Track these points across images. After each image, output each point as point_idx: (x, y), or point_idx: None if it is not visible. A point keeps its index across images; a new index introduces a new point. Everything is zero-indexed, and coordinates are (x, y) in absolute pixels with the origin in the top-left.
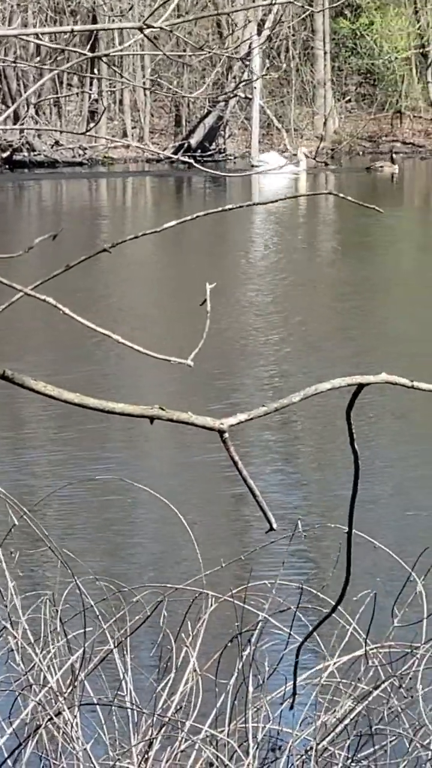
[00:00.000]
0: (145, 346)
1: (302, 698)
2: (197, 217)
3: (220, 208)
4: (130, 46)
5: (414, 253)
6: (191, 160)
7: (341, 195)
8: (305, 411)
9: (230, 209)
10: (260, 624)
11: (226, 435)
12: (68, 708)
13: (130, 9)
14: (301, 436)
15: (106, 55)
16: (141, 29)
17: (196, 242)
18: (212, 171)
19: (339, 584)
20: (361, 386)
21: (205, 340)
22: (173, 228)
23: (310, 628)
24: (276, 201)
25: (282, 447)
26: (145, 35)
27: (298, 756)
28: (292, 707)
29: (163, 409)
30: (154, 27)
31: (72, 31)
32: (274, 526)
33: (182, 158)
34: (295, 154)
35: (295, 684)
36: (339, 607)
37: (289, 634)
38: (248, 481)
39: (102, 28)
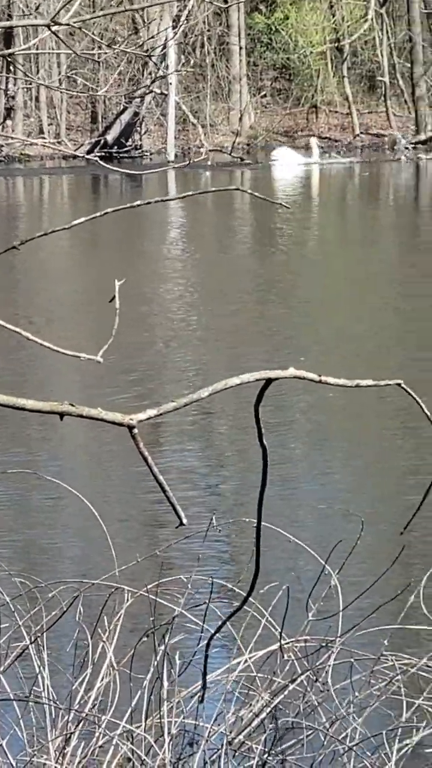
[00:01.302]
0: (57, 343)
1: (218, 693)
2: (105, 213)
3: (128, 205)
4: (35, 44)
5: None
6: (102, 161)
7: (248, 191)
8: (225, 404)
9: (138, 205)
10: (175, 618)
11: (136, 431)
12: None
13: (37, 8)
14: (218, 431)
15: (11, 54)
16: (48, 26)
17: (116, 238)
18: (123, 170)
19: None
20: (269, 381)
21: (114, 336)
22: (88, 224)
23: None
24: (183, 197)
25: (198, 441)
26: (52, 32)
27: (215, 750)
28: (202, 701)
29: (72, 405)
30: (61, 24)
31: None
32: (184, 521)
33: (91, 157)
34: (308, 146)
35: (204, 678)
36: (256, 602)
37: (203, 628)
38: (158, 477)
39: (9, 26)
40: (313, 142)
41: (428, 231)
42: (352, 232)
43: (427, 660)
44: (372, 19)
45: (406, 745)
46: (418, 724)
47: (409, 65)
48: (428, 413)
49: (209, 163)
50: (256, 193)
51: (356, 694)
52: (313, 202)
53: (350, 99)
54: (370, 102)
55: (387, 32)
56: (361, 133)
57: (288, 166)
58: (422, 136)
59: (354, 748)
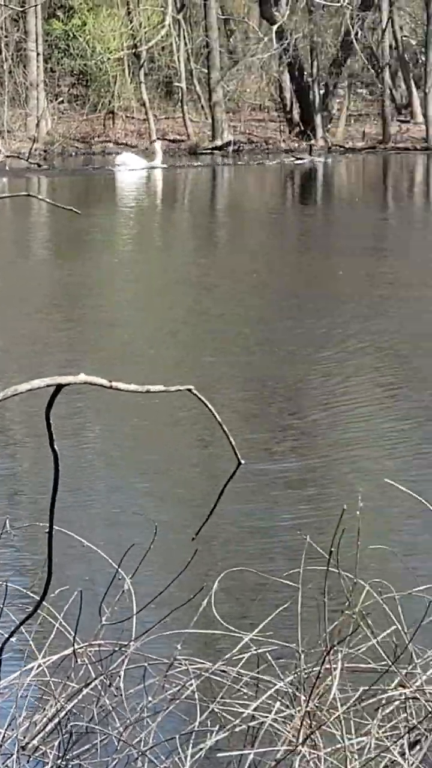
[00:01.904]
0: None
1: (11, 697)
2: None
3: None
4: None
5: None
6: None
7: (39, 197)
8: (17, 411)
9: None
10: None
11: None
12: None
13: None
14: (16, 436)
15: None
16: None
17: None
18: None
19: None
20: (60, 387)
21: None
22: None
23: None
24: None
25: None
26: None
27: (8, 755)
28: None
29: None
30: None
31: None
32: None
33: None
34: (150, 149)
35: None
36: (49, 606)
37: None
38: None
39: None
40: (158, 146)
41: (236, 233)
42: (160, 235)
43: (221, 664)
44: (169, 25)
45: (200, 749)
46: (212, 728)
47: (206, 71)
48: (218, 418)
49: (7, 168)
50: (47, 199)
51: (150, 698)
52: (140, 206)
53: (147, 105)
54: (167, 107)
55: (184, 38)
56: (158, 138)
57: (132, 171)
58: (218, 142)
59: (147, 752)
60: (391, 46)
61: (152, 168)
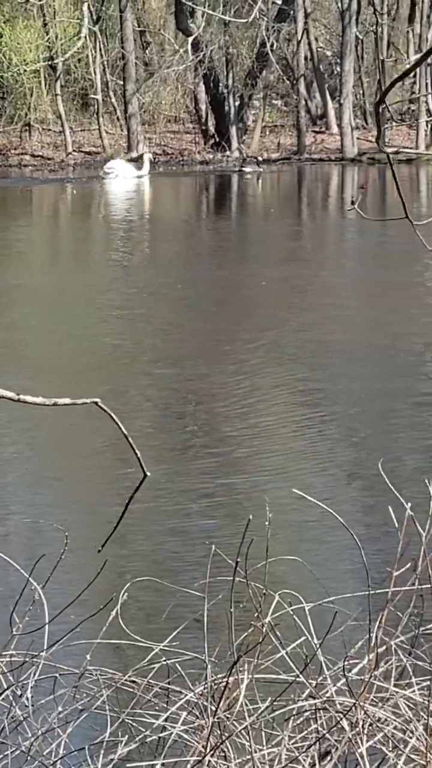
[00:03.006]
0: None
1: None
2: None
3: None
4: None
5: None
6: None
7: None
8: None
9: None
10: None
11: None
12: None
13: None
14: None
15: None
16: None
17: None
18: None
19: None
20: None
21: None
22: None
23: None
24: None
25: None
26: None
27: None
28: None
29: None
30: None
31: None
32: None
33: None
34: (140, 158)
35: None
36: None
37: None
38: None
39: None
40: (146, 157)
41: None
42: (87, 246)
43: (131, 675)
44: (85, 37)
45: (111, 759)
46: (122, 738)
47: (121, 83)
48: (124, 430)
49: None
50: None
51: (61, 709)
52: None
53: (63, 117)
54: (83, 119)
55: (100, 50)
56: (74, 150)
57: (123, 179)
58: (134, 154)
59: (58, 763)
60: (306, 57)
61: (140, 177)
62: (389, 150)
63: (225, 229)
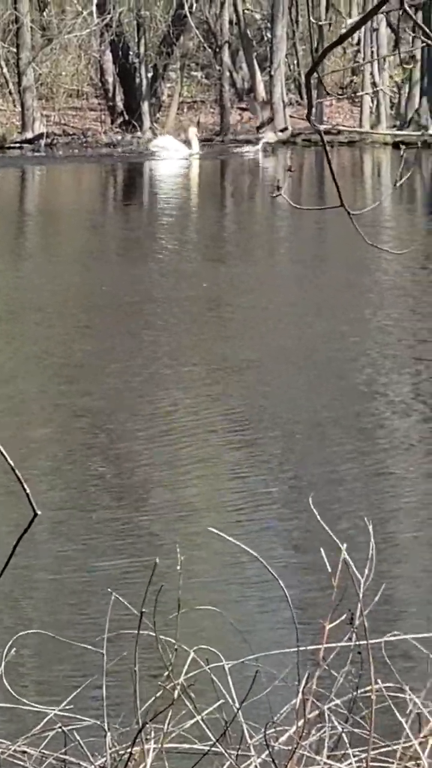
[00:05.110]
0: None
1: None
2: None
3: None
4: None
5: None
6: None
7: None
8: None
9: None
10: None
11: None
12: None
13: None
14: None
15: None
16: None
17: None
18: None
19: None
20: None
21: None
22: None
23: None
24: None
25: None
26: None
27: None
28: None
29: None
30: None
31: None
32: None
33: None
34: (186, 138)
35: None
36: None
37: None
38: None
39: None
40: (192, 132)
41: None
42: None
43: (22, 743)
44: None
45: None
46: None
47: (14, 50)
48: (11, 463)
49: None
50: None
51: None
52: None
53: None
54: None
55: None
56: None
57: (171, 160)
58: (29, 134)
59: None
60: (231, 21)
61: (190, 156)
62: (322, 127)
63: (135, 223)
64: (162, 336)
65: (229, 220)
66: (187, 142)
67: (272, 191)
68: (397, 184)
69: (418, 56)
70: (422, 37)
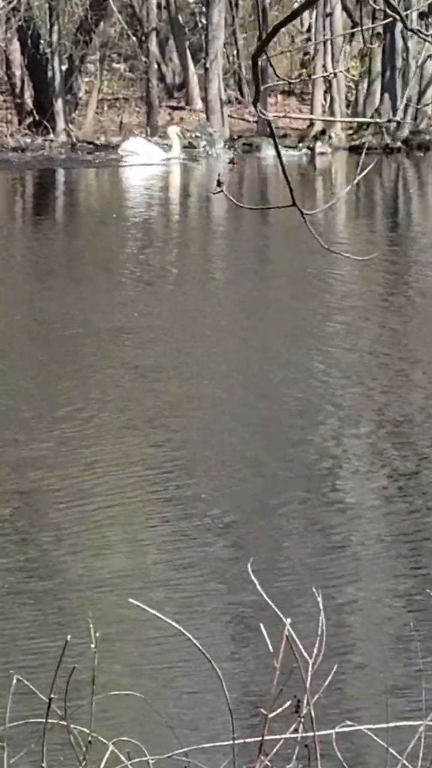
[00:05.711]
0: None
1: None
2: None
3: None
4: None
5: None
6: None
7: None
8: None
9: None
10: None
11: None
12: None
13: None
14: None
15: None
16: None
17: None
18: None
19: None
20: None
21: None
22: None
23: None
24: None
25: None
26: None
27: None
28: None
29: None
30: None
31: None
32: None
33: None
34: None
35: None
36: None
37: None
38: None
39: None
40: (172, 131)
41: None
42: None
43: None
44: None
45: None
46: None
47: None
48: None
49: None
50: None
51: None
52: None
53: None
54: None
55: None
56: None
57: (143, 165)
58: None
59: None
60: (159, 5)
61: (168, 160)
62: (270, 116)
63: (47, 240)
64: (82, 373)
65: (169, 236)
66: (167, 146)
67: (218, 184)
68: (355, 181)
69: (378, 48)
70: (387, 10)
